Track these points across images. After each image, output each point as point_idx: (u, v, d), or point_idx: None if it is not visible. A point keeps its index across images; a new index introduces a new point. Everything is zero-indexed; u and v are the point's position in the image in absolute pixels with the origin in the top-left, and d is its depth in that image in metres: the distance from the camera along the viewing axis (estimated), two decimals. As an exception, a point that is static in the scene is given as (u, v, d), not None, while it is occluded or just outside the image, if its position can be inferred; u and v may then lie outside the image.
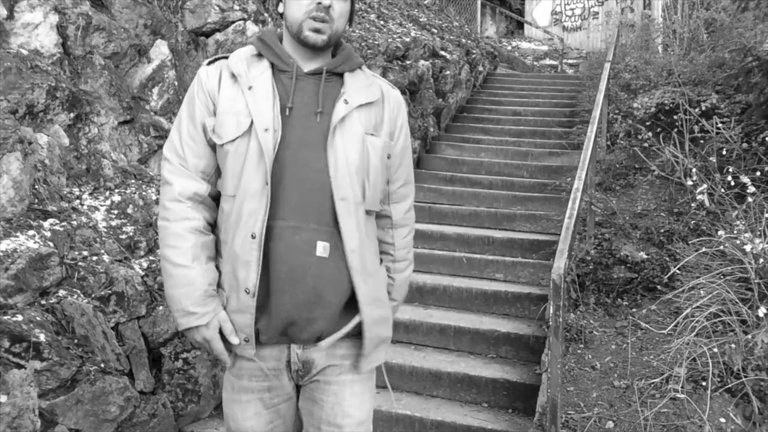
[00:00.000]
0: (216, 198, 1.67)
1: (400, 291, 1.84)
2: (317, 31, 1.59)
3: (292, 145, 1.58)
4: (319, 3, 1.56)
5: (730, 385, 2.90)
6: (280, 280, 1.56)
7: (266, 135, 1.55)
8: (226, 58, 1.68)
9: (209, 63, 1.69)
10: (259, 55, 1.66)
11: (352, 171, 1.59)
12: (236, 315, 1.59)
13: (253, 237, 1.55)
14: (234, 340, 1.59)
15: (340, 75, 1.67)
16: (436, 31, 8.91)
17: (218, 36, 4.73)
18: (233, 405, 1.67)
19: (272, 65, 1.64)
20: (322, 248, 1.57)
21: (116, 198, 3.61)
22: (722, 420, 2.79)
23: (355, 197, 1.60)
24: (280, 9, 1.66)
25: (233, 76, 1.63)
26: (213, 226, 1.68)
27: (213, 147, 1.64)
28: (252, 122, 1.56)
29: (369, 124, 1.65)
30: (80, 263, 3.15)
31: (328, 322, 1.59)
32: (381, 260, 1.76)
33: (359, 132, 1.62)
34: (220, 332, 1.60)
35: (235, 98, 1.61)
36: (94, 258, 3.22)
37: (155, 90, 4.20)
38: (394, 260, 1.80)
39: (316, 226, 1.57)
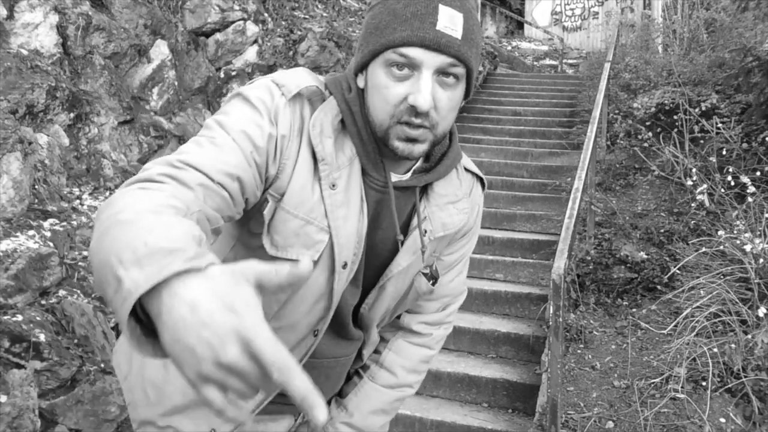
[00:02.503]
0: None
1: (364, 403, 1.32)
2: (412, 141, 1.01)
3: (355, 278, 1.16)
4: (414, 107, 0.98)
5: (730, 385, 2.90)
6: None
7: (342, 273, 1.08)
8: (308, 101, 1.06)
9: (291, 99, 1.03)
10: (344, 130, 1.07)
11: (387, 310, 1.24)
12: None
13: None
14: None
15: (429, 186, 1.17)
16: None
17: (218, 36, 4.73)
18: None
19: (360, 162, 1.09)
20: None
21: (116, 198, 3.61)
22: (722, 420, 2.79)
23: (375, 337, 1.30)
24: (360, 83, 1.07)
25: (314, 155, 1.04)
26: None
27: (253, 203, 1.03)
28: (328, 242, 1.06)
29: (431, 251, 1.20)
30: (80, 263, 3.15)
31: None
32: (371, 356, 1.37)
33: (416, 270, 1.19)
34: None
35: (309, 192, 1.04)
36: (94, 258, 3.23)
37: (155, 90, 4.20)
38: (382, 364, 1.33)
39: (345, 361, 1.28)
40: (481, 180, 1.27)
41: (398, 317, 1.34)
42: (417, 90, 0.97)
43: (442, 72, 0.99)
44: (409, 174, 1.14)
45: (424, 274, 1.21)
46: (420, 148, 1.03)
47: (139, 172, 0.91)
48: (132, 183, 0.86)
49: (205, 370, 0.51)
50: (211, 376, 0.51)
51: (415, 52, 0.97)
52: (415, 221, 1.14)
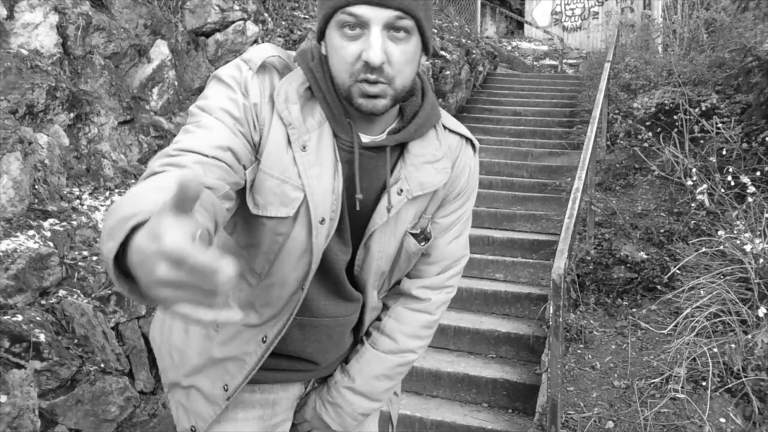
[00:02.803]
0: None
1: (365, 368, 1.34)
2: (372, 96, 1.06)
3: (336, 234, 1.20)
4: (367, 63, 1.03)
5: (730, 385, 2.90)
6: (318, 355, 1.32)
7: (321, 229, 1.14)
8: (279, 72, 1.14)
9: (258, 70, 1.12)
10: (312, 95, 1.14)
11: (377, 274, 1.27)
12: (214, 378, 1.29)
13: (264, 341, 1.23)
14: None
15: (404, 145, 1.20)
16: (436, 30, 8.91)
17: (218, 36, 4.73)
18: (227, 425, 1.30)
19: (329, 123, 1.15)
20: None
21: (116, 198, 3.61)
22: (722, 420, 2.79)
23: (375, 302, 1.34)
24: (323, 50, 1.13)
25: (282, 119, 1.11)
26: None
27: (241, 174, 1.09)
28: (303, 201, 1.12)
29: (415, 213, 1.23)
30: (80, 263, 3.15)
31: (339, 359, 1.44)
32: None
33: (402, 230, 1.23)
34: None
35: (283, 154, 1.11)
36: (94, 258, 3.23)
37: (155, 90, 4.20)
38: (383, 331, 1.36)
39: (345, 321, 1.31)
40: (471, 142, 1.29)
41: (399, 283, 1.37)
42: (368, 46, 1.03)
43: (391, 27, 1.04)
44: (384, 135, 1.18)
45: (413, 235, 1.25)
46: (382, 103, 1.08)
47: (146, 170, 0.98)
48: (141, 180, 0.93)
49: (153, 289, 0.60)
50: (159, 292, 0.60)
51: (361, 10, 1.02)
52: (391, 180, 1.18)
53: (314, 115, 1.13)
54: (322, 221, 1.14)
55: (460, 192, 1.29)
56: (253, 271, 1.20)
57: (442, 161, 1.22)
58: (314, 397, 1.38)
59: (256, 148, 1.11)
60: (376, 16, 1.02)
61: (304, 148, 1.12)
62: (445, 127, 1.25)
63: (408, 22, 1.05)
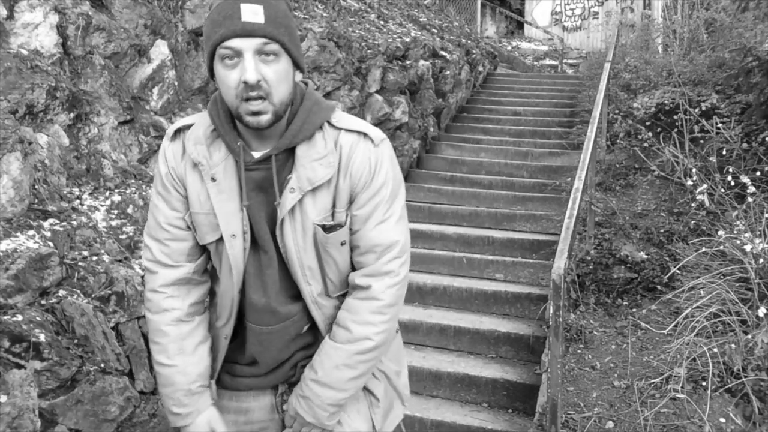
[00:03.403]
0: (208, 269, 1.56)
1: (326, 360, 1.43)
2: (256, 113, 1.29)
3: (262, 243, 1.42)
4: (246, 83, 1.26)
5: (730, 385, 2.90)
6: (266, 362, 1.50)
7: (234, 242, 1.39)
8: (185, 129, 1.44)
9: (171, 138, 1.45)
10: (216, 132, 1.40)
11: (306, 269, 1.42)
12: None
13: (226, 338, 1.50)
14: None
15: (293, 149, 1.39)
16: (436, 31, 8.91)
17: (218, 36, 4.73)
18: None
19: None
20: (305, 328, 1.50)
21: (116, 198, 3.61)
22: (722, 420, 2.79)
23: (313, 296, 1.45)
24: (215, 85, 1.37)
25: (195, 165, 1.40)
26: (212, 293, 1.56)
27: (191, 231, 1.47)
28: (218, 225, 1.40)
29: (324, 207, 1.39)
30: (80, 263, 3.15)
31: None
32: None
33: (309, 223, 1.39)
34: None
35: (201, 193, 1.41)
36: (94, 258, 3.23)
37: (155, 90, 4.20)
38: (338, 322, 1.46)
39: (298, 318, 1.47)
40: (369, 136, 1.42)
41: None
42: (244, 69, 1.27)
43: (261, 52, 1.28)
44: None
45: (321, 226, 1.40)
46: (265, 118, 1.30)
47: (143, 254, 1.53)
48: (154, 291, 1.52)
49: None
50: None
51: (233, 43, 1.26)
52: (284, 181, 1.38)
53: (220, 150, 1.40)
54: (233, 236, 1.39)
55: (366, 183, 1.40)
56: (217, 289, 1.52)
57: (328, 157, 1.38)
58: (292, 395, 1.50)
59: (186, 194, 1.44)
60: (247, 45, 1.26)
61: (213, 179, 1.38)
62: (337, 127, 1.41)
63: (274, 47, 1.28)
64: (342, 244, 1.42)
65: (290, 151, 1.39)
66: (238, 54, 1.27)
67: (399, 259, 1.44)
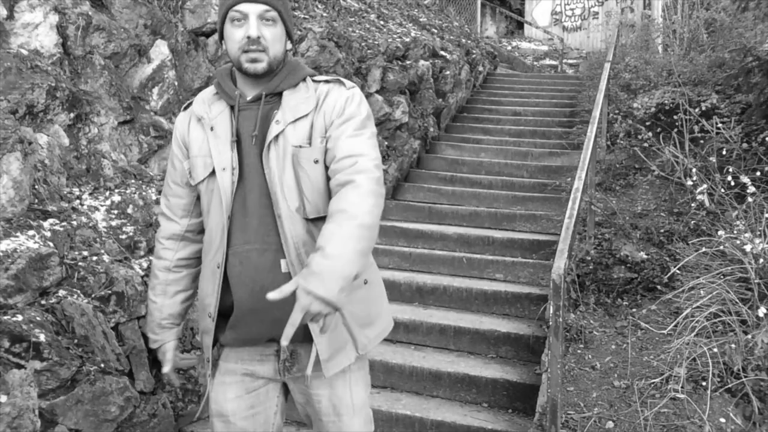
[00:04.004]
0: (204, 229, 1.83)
1: (329, 237, 1.49)
2: (254, 60, 1.67)
3: (248, 174, 1.69)
4: (249, 37, 1.65)
5: (730, 385, 2.90)
6: (255, 298, 1.65)
7: (224, 174, 1.68)
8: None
9: (184, 109, 1.86)
10: (218, 95, 1.78)
11: (285, 187, 1.66)
12: (203, 336, 1.81)
13: (218, 267, 1.71)
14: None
15: (280, 94, 1.72)
16: (436, 31, 8.91)
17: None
18: (218, 387, 1.80)
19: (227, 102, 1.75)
20: (285, 265, 1.67)
21: (116, 198, 3.61)
22: (722, 420, 2.79)
23: (290, 213, 1.65)
24: (224, 47, 1.74)
25: (199, 120, 1.77)
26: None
27: (189, 188, 1.83)
28: (212, 161, 1.71)
29: (303, 136, 1.68)
30: (80, 263, 3.15)
31: (306, 328, 1.64)
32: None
33: (290, 147, 1.67)
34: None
35: (202, 141, 1.75)
36: (94, 258, 3.23)
37: (155, 90, 4.20)
38: (331, 205, 1.58)
39: (275, 246, 1.67)
40: (342, 82, 1.76)
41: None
42: (249, 27, 1.65)
43: (262, 17, 1.66)
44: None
45: (298, 146, 1.67)
46: (261, 65, 1.68)
47: (160, 204, 1.93)
48: (157, 240, 1.92)
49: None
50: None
51: (241, 6, 1.65)
52: (270, 115, 1.71)
53: (219, 106, 1.76)
54: (224, 169, 1.69)
55: (339, 112, 1.69)
56: (204, 228, 1.81)
57: (309, 99, 1.72)
58: (299, 277, 1.46)
59: (188, 152, 1.80)
60: (252, 9, 1.65)
61: (212, 129, 1.74)
62: (316, 81, 1.77)
63: (273, 14, 1.68)
64: (315, 162, 1.67)
65: (278, 97, 1.73)
66: (245, 17, 1.65)
67: (373, 163, 1.62)
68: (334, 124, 1.68)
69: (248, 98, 1.72)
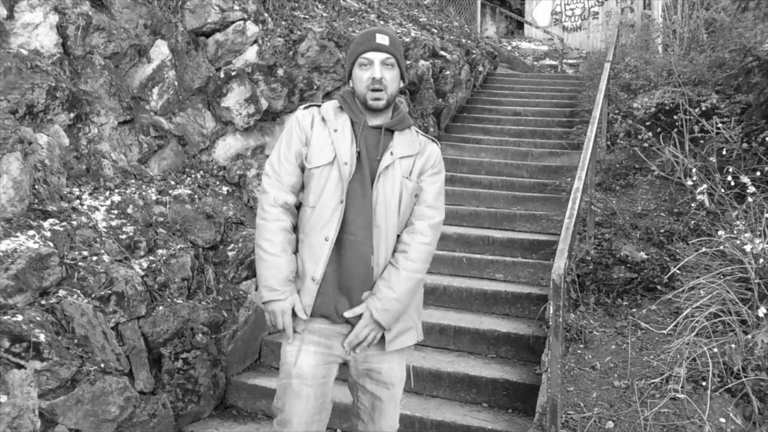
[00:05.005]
0: (298, 207, 2.24)
1: (400, 284, 2.16)
2: (377, 99, 2.15)
3: (358, 178, 2.15)
4: (374, 78, 2.14)
5: (730, 385, 2.90)
6: (348, 277, 2.15)
7: (345, 167, 2.13)
8: (319, 106, 2.27)
9: (304, 108, 2.28)
10: (341, 109, 2.24)
11: (387, 207, 2.15)
12: (303, 295, 2.15)
13: (326, 240, 2.12)
14: (303, 316, 2.14)
15: (392, 131, 2.23)
16: (436, 31, 8.91)
17: (218, 36, 4.73)
18: (303, 354, 2.17)
19: (350, 119, 2.21)
20: (373, 260, 2.16)
21: (116, 198, 3.61)
22: (722, 420, 2.79)
23: (387, 226, 2.16)
24: (350, 85, 2.23)
25: (323, 120, 2.21)
26: (294, 228, 2.24)
27: (302, 169, 2.21)
28: (335, 155, 2.15)
29: (407, 170, 2.20)
30: (80, 263, 3.15)
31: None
32: (393, 256, 2.22)
33: (398, 176, 2.18)
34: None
35: (324, 136, 2.19)
36: (94, 258, 3.23)
37: (155, 90, 4.20)
38: (407, 257, 2.19)
39: (370, 243, 2.15)
40: (434, 140, 2.36)
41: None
42: (374, 71, 2.16)
43: (384, 63, 2.17)
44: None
45: (406, 178, 2.20)
46: (382, 102, 2.17)
47: (263, 181, 2.27)
48: (271, 205, 2.21)
49: (272, 319, 2.20)
50: (273, 321, 2.19)
51: (369, 54, 2.18)
52: (386, 147, 2.21)
53: (342, 117, 2.23)
54: (346, 163, 2.14)
55: (434, 164, 2.28)
56: (308, 205, 2.20)
57: (414, 143, 2.26)
58: (371, 307, 2.14)
59: (307, 141, 2.21)
60: (377, 57, 2.17)
61: (335, 130, 2.19)
62: (418, 132, 2.32)
63: (392, 60, 2.19)
64: (415, 195, 2.22)
65: (389, 134, 2.22)
66: (370, 63, 2.16)
67: (440, 221, 2.28)
68: (428, 172, 2.25)
69: (370, 124, 2.20)
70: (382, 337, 2.20)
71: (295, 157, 2.20)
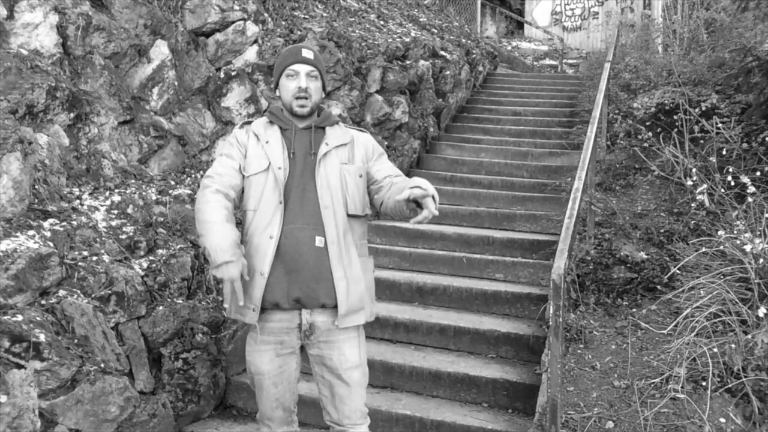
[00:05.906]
0: (235, 209, 2.37)
1: (406, 180, 2.34)
2: (302, 106, 2.40)
3: (295, 175, 2.36)
4: (299, 87, 2.38)
5: (730, 385, 2.90)
6: (294, 262, 2.29)
7: (279, 171, 2.35)
8: (250, 123, 2.50)
9: (241, 127, 2.50)
10: (271, 122, 2.46)
11: (332, 189, 2.36)
12: (253, 290, 2.28)
13: (271, 237, 2.30)
14: (246, 304, 2.30)
15: (324, 128, 2.46)
16: (436, 31, 8.91)
17: (218, 36, 4.73)
18: (255, 354, 2.39)
19: (280, 128, 2.44)
20: (318, 241, 2.31)
21: (116, 198, 3.61)
22: (722, 420, 2.79)
23: (334, 206, 2.35)
24: (277, 93, 2.48)
25: (256, 135, 2.43)
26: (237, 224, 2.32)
27: (242, 176, 2.39)
28: (270, 163, 2.36)
29: (344, 157, 2.45)
30: (80, 263, 3.15)
31: (326, 293, 2.32)
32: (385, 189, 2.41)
33: (336, 162, 2.41)
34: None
35: (258, 148, 2.41)
36: (94, 258, 3.22)
37: (155, 90, 4.20)
38: (392, 182, 2.42)
39: (314, 227, 2.32)
40: (361, 130, 2.59)
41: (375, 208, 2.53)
42: (300, 81, 2.40)
43: (308, 74, 2.41)
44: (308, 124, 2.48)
45: (343, 163, 2.42)
46: (306, 109, 2.40)
47: (204, 180, 2.36)
48: (213, 192, 2.29)
49: (222, 283, 2.26)
50: (226, 284, 2.21)
51: (296, 66, 2.41)
52: (319, 140, 2.43)
53: (272, 129, 2.45)
54: (279, 168, 2.35)
55: (374, 149, 2.53)
56: (249, 209, 2.38)
57: (346, 134, 2.50)
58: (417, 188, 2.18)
59: (245, 154, 2.42)
60: (302, 69, 2.40)
61: (267, 142, 2.40)
62: (346, 126, 2.56)
63: (316, 72, 2.43)
64: (360, 176, 2.43)
65: (321, 130, 2.44)
66: (297, 73, 2.40)
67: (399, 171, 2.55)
68: (373, 158, 2.50)
69: (300, 127, 2.43)
70: (335, 316, 2.34)
71: (235, 166, 2.39)
